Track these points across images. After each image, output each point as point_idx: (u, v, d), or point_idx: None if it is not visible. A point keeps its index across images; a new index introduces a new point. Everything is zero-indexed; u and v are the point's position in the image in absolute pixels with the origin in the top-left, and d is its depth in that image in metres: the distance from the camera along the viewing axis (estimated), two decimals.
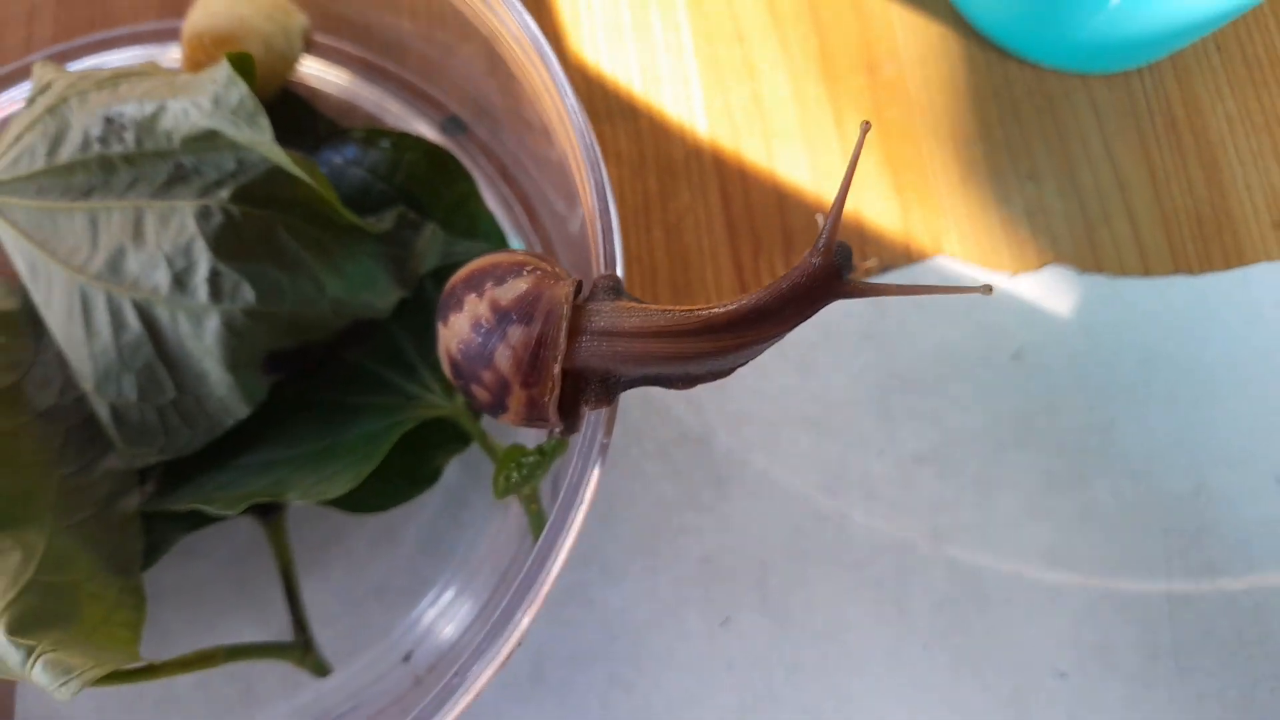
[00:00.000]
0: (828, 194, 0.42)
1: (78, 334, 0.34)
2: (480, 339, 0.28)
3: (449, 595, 0.36)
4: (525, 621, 0.28)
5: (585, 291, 0.28)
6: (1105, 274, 0.41)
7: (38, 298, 0.35)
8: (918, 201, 0.42)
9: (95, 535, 0.34)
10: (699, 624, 0.37)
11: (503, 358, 0.27)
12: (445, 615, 0.36)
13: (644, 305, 0.27)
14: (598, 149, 0.31)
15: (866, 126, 0.25)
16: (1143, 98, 0.43)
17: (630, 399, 0.39)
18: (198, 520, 0.34)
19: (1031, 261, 0.41)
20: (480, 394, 0.28)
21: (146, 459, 0.34)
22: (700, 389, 0.39)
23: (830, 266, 0.25)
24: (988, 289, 0.24)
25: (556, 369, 0.27)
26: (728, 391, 0.39)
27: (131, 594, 0.33)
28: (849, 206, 0.41)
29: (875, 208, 0.41)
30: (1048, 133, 0.43)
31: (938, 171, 0.42)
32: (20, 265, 0.36)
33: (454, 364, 0.29)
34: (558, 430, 0.30)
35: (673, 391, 0.40)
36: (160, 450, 0.34)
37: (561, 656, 0.36)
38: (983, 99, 0.43)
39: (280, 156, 0.32)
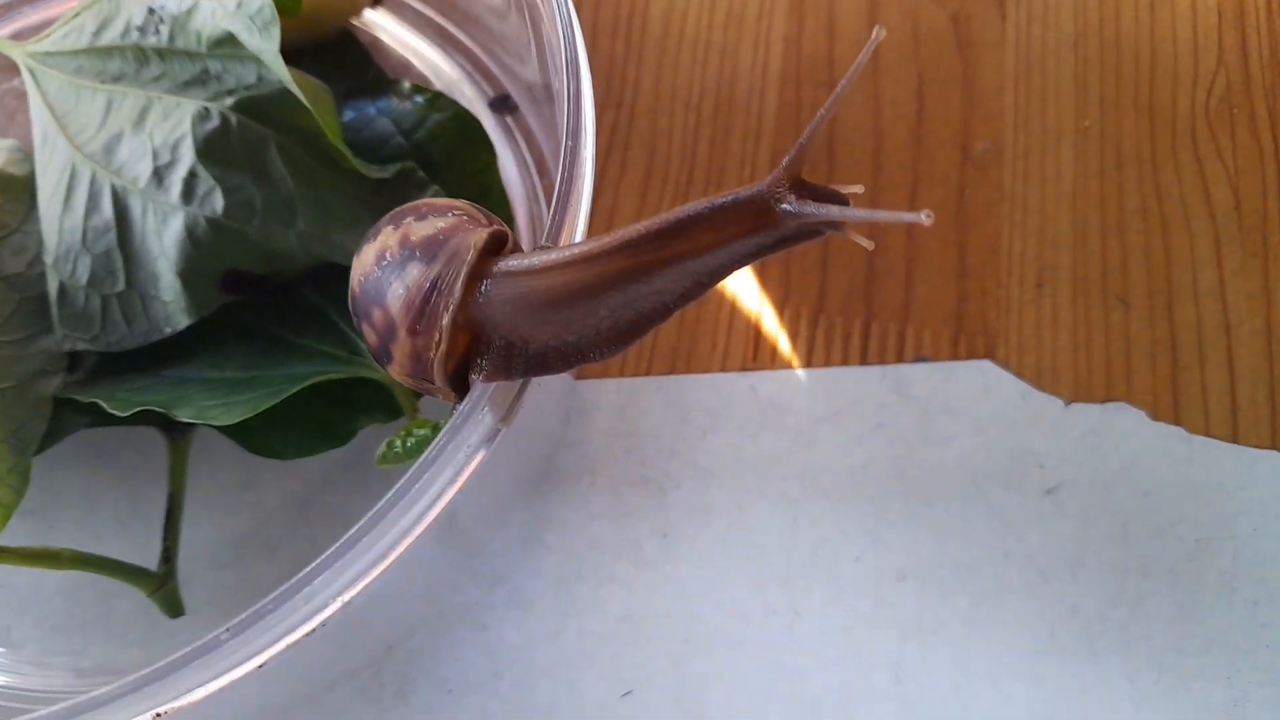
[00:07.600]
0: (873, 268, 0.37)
1: (56, 207, 0.34)
2: (380, 273, 0.25)
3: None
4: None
5: (510, 247, 0.25)
6: (1181, 427, 0.34)
7: (39, 167, 0.35)
8: (979, 293, 0.36)
9: (7, 407, 0.33)
10: (597, 688, 0.32)
11: (395, 296, 0.24)
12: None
13: (562, 246, 0.24)
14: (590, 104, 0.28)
15: (879, 33, 0.22)
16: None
17: (599, 427, 0.35)
18: (99, 418, 0.32)
19: (1096, 393, 0.35)
20: (370, 336, 0.25)
21: (76, 345, 0.33)
22: (673, 435, 0.35)
23: (774, 190, 0.22)
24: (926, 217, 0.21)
25: (446, 320, 0.24)
26: (706, 443, 0.35)
27: (18, 475, 0.32)
28: (906, 277, 0.37)
29: (931, 285, 0.37)
30: (1154, 254, 0.37)
31: (1013, 268, 0.37)
32: (36, 133, 0.36)
33: (352, 298, 0.26)
34: (453, 402, 0.26)
35: (643, 430, 0.36)
36: (92, 340, 0.33)
37: (434, 678, 0.32)
38: (1087, 204, 0.37)
39: (281, 69, 0.31)
